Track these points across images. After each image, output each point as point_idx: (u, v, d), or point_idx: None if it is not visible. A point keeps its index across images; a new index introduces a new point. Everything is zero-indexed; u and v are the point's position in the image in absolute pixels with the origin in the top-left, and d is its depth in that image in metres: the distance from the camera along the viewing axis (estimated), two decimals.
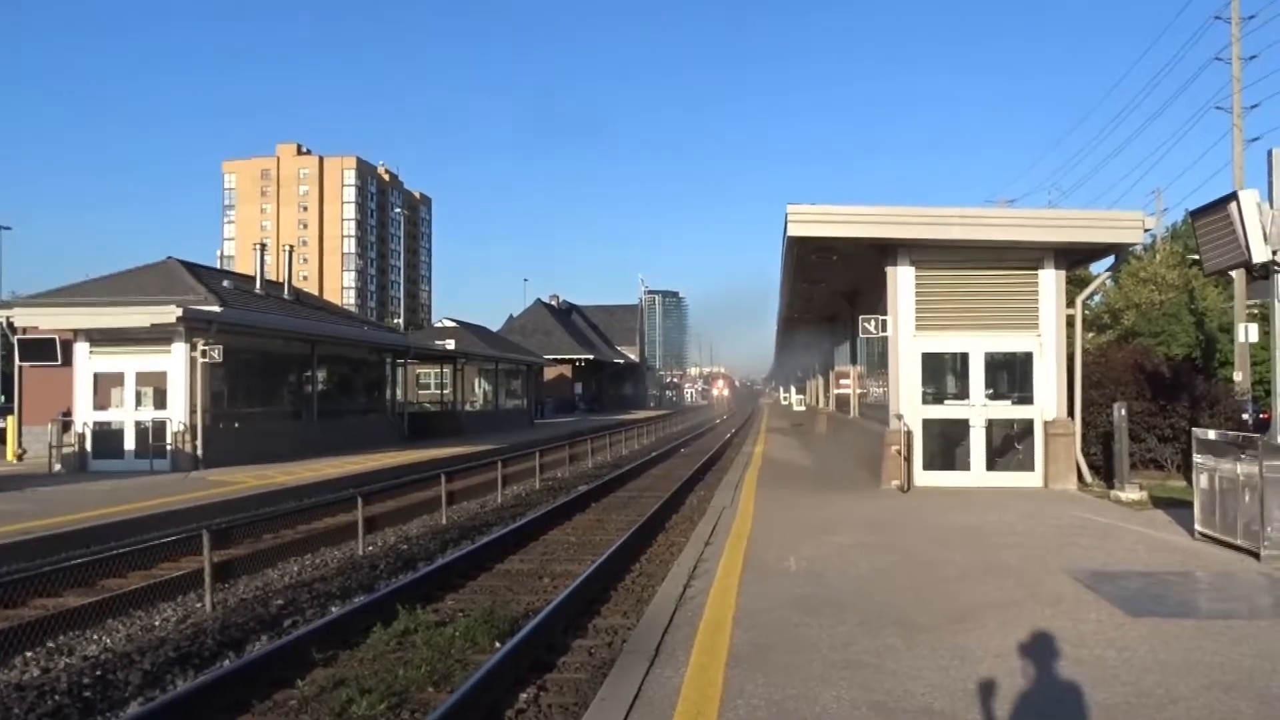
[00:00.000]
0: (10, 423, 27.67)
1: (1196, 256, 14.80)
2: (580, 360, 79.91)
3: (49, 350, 23.53)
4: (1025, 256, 15.94)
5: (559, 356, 73.97)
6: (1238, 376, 26.35)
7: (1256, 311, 28.82)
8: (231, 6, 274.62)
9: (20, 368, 26.39)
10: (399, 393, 37.54)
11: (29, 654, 8.54)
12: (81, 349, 22.74)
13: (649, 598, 9.48)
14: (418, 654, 7.97)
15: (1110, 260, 16.96)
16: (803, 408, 55.67)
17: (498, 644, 8.13)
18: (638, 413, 72.13)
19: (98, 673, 7.68)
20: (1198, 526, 10.66)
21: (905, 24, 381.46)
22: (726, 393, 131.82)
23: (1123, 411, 14.88)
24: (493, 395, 50.43)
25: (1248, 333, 26.40)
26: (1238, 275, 26.07)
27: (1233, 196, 10.04)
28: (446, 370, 45.00)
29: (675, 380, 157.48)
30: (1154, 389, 17.87)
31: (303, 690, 7.17)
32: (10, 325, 25.31)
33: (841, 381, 28.88)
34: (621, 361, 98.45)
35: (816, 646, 6.44)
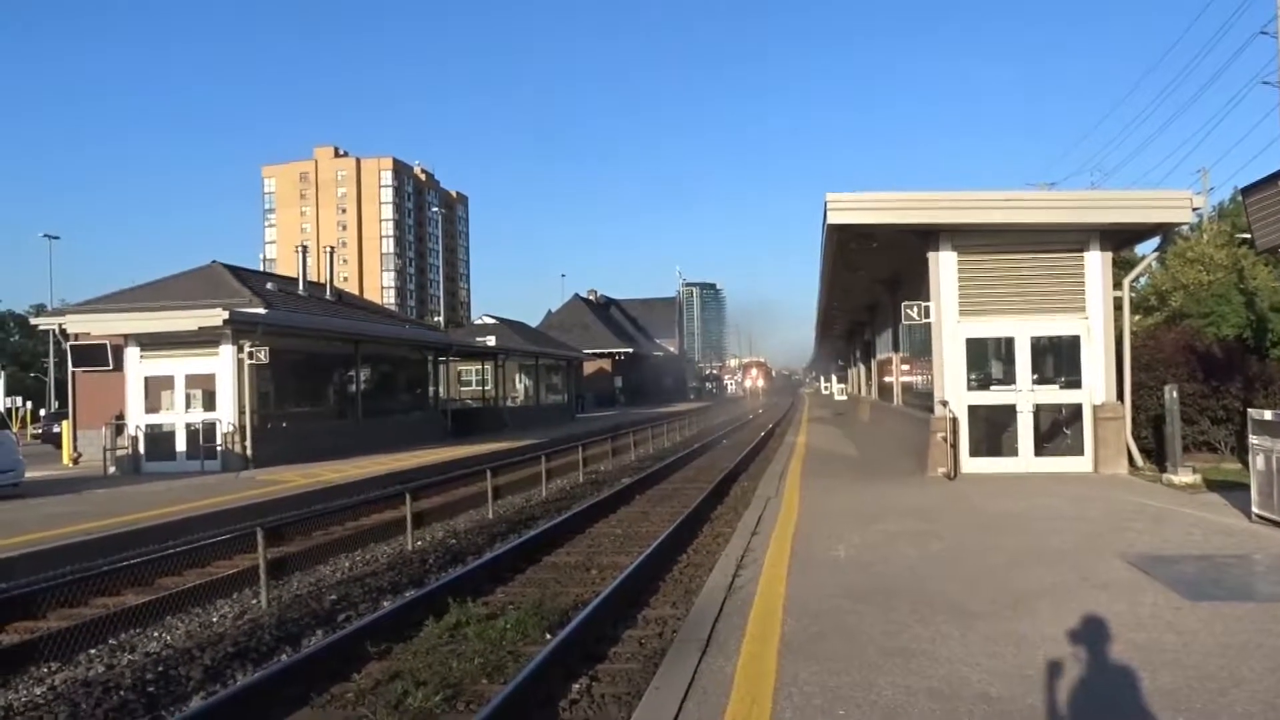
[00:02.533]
0: (66, 427, 28.35)
1: (1247, 235, 14.51)
2: (619, 354, 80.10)
3: (101, 355, 24.03)
4: (1069, 239, 15.71)
5: (598, 350, 74.23)
6: None
7: None
8: (260, 14, 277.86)
9: (73, 373, 27.02)
10: (441, 390, 37.88)
11: (92, 651, 8.75)
12: (132, 353, 23.21)
13: (697, 588, 9.48)
14: (470, 646, 8.05)
15: (1157, 241, 16.68)
16: (844, 397, 55.31)
17: (549, 635, 8.18)
18: (678, 405, 72.12)
19: (160, 668, 7.85)
20: (1255, 509, 10.45)
21: (941, 7, 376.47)
22: (761, 383, 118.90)
23: (1174, 394, 14.63)
24: (533, 390, 50.71)
25: None
26: None
27: None
28: (487, 367, 45.31)
29: (715, 372, 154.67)
30: (1205, 370, 17.54)
31: (359, 683, 7.27)
32: (63, 332, 25.93)
33: (884, 369, 28.68)
34: (660, 354, 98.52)
35: (869, 634, 6.42)
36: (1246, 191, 10.89)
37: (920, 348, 19.60)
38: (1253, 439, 10.52)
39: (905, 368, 24.04)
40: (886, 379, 27.78)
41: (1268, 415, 10.53)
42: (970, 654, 5.90)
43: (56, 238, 67.90)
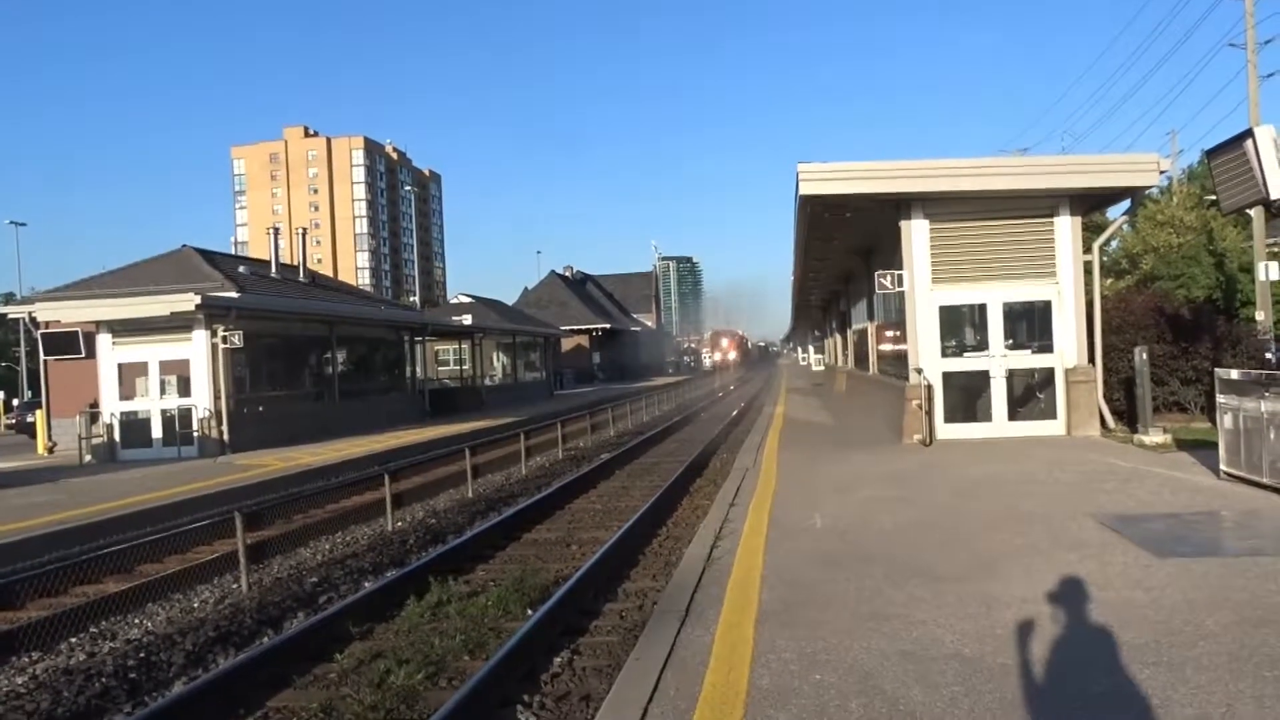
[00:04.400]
0: (40, 417, 28.09)
1: (1214, 197, 14.65)
2: (597, 330, 80.00)
3: (72, 343, 23.81)
4: (1040, 205, 15.82)
5: (576, 327, 74.07)
6: (1260, 316, 26.09)
7: (1277, 250, 28.51)
8: None
9: (45, 362, 26.74)
10: (419, 370, 37.75)
11: (73, 640, 8.74)
12: (104, 340, 22.97)
13: (676, 560, 9.57)
14: (452, 624, 8.11)
15: (1126, 205, 16.82)
16: (821, 367, 55.60)
17: (530, 611, 8.25)
18: (657, 380, 72.25)
19: (141, 655, 7.87)
20: (1223, 467, 10.64)
21: None
22: (734, 355, 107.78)
23: (1144, 356, 14.82)
24: (512, 369, 50.62)
25: (1268, 271, 26.12)
26: (1256, 213, 25.73)
27: (1249, 134, 9.95)
28: (465, 346, 45.15)
29: (693, 346, 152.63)
30: (1175, 332, 17.76)
31: (341, 663, 7.32)
32: (33, 320, 25.64)
33: (860, 339, 28.84)
34: (638, 330, 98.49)
35: (844, 600, 6.51)
36: (1211, 154, 10.99)
37: (895, 316, 19.72)
38: (1220, 398, 10.69)
39: (880, 336, 24.19)
40: (862, 348, 27.94)
41: (1234, 375, 10.71)
42: (944, 616, 6.00)
43: (24, 224, 67.17)
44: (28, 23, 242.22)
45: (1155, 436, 14.00)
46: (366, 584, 10.10)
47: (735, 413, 32.66)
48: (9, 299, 64.60)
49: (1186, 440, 14.14)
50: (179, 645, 8.08)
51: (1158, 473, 11.44)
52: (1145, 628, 5.56)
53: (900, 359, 18.30)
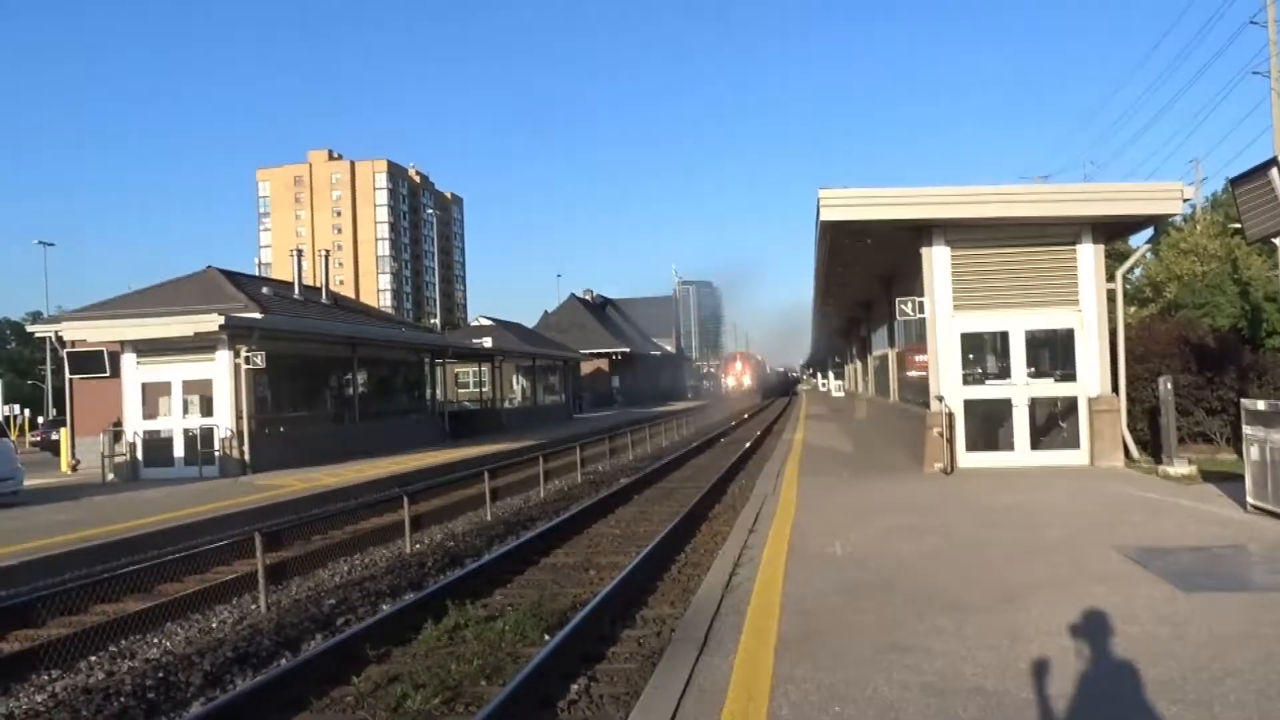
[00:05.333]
0: (64, 434, 28.35)
1: (1238, 225, 14.55)
2: (616, 354, 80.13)
3: (98, 362, 24.03)
4: (1062, 232, 15.75)
5: (595, 351, 74.27)
6: None
7: None
8: (253, 19, 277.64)
9: (70, 380, 27.01)
10: (439, 392, 37.89)
11: (93, 658, 8.77)
12: (129, 360, 23.21)
13: (695, 587, 9.51)
14: (469, 648, 8.08)
15: (1149, 233, 16.73)
16: (842, 394, 55.38)
17: (547, 636, 8.21)
18: (676, 404, 72.19)
19: (160, 674, 7.87)
20: (1250, 499, 10.50)
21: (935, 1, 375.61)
22: (748, 381, 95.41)
23: (1168, 385, 14.67)
24: (531, 391, 50.73)
25: None
26: None
27: (1273, 162, 9.90)
28: (485, 368, 45.32)
29: (712, 370, 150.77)
30: (1200, 361, 17.59)
31: (358, 687, 7.30)
32: (60, 339, 25.91)
33: (880, 365, 28.72)
34: (658, 354, 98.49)
35: (864, 630, 6.45)
36: (1236, 182, 10.94)
37: (916, 343, 19.64)
38: (1247, 429, 10.56)
39: (901, 363, 24.08)
40: (883, 375, 27.82)
41: (1261, 405, 10.57)
42: (966, 648, 5.94)
43: (52, 244, 67.98)
44: (61, 46, 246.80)
45: (1180, 468, 13.84)
46: (384, 606, 10.09)
47: (754, 438, 32.54)
48: (36, 318, 65.35)
49: (1212, 472, 13.96)
50: (197, 666, 8.09)
51: (1183, 504, 11.30)
52: (1170, 663, 5.48)
53: (921, 386, 18.21)
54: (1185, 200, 15.44)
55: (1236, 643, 5.82)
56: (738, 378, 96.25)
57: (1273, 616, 6.35)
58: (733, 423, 48.69)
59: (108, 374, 23.98)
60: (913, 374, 22.53)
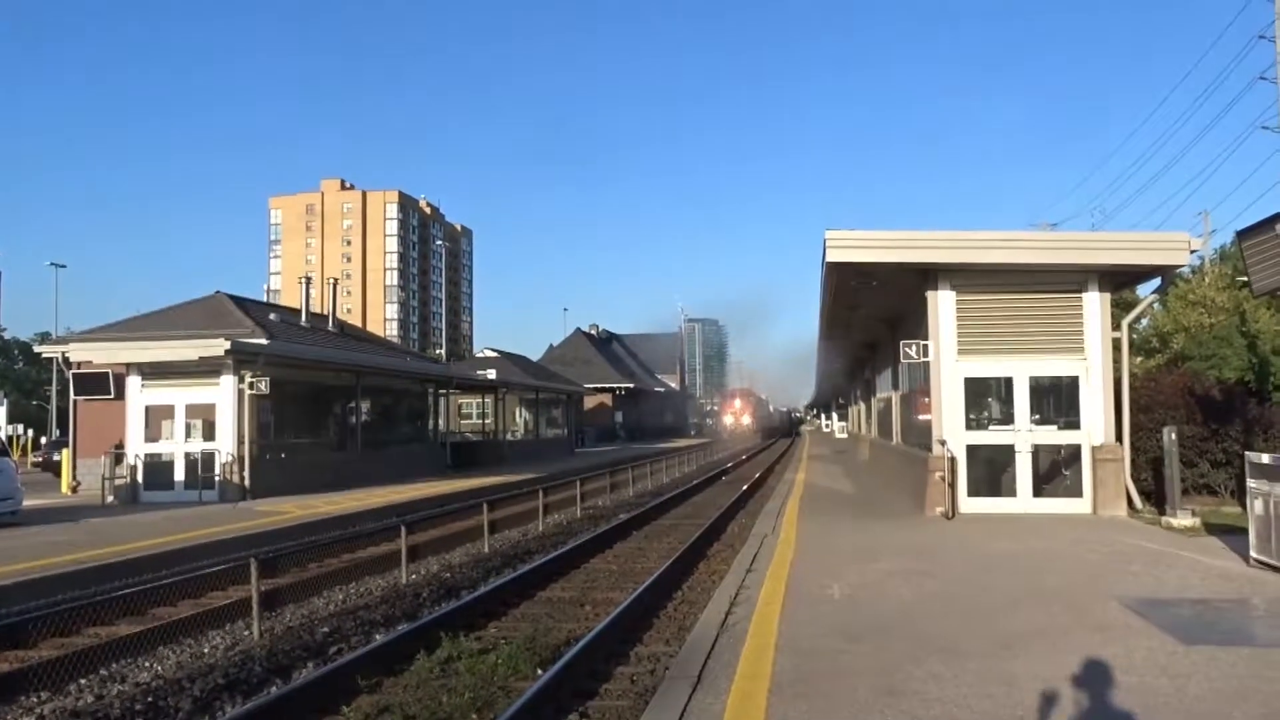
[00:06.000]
0: (65, 456, 28.34)
1: (1245, 278, 14.55)
2: (620, 389, 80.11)
3: (103, 384, 24.10)
4: (1068, 279, 15.76)
5: (599, 385, 74.25)
6: None
7: None
8: (270, 47, 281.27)
9: (75, 402, 27.06)
10: (441, 423, 37.87)
11: (83, 681, 8.70)
12: (134, 382, 23.24)
13: (691, 625, 9.43)
14: (461, 681, 8.01)
15: (1157, 283, 16.72)
16: (845, 435, 55.24)
17: (540, 671, 8.14)
18: (679, 441, 72.03)
19: (149, 699, 7.81)
20: (1253, 553, 10.41)
21: (942, 45, 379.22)
22: (748, 420, 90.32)
23: (1173, 436, 14.60)
24: (534, 424, 50.68)
25: None
26: None
27: None
28: (488, 400, 45.33)
29: (716, 408, 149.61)
30: (1205, 413, 17.52)
31: (348, 716, 7.23)
32: (66, 360, 26.00)
33: (884, 408, 28.65)
34: (662, 390, 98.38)
35: (860, 674, 6.38)
36: (1243, 235, 10.96)
37: (920, 386, 19.60)
38: (1251, 483, 10.50)
39: (905, 406, 24.03)
40: (886, 417, 27.75)
41: (1266, 459, 10.51)
42: (962, 694, 5.87)
43: (63, 266, 68.52)
44: (73, 69, 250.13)
45: (1184, 519, 13.73)
46: (378, 636, 10.01)
47: (756, 478, 32.40)
48: (44, 338, 65.64)
49: (1216, 524, 13.85)
50: (187, 691, 8.02)
51: (1185, 556, 11.20)
52: (1170, 715, 5.41)
53: (924, 429, 18.15)
54: (1192, 251, 15.45)
55: (1236, 698, 5.75)
56: (737, 416, 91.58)
57: (1274, 673, 6.27)
58: (737, 460, 48.56)
59: (112, 396, 24.04)
60: (918, 417, 22.50)
